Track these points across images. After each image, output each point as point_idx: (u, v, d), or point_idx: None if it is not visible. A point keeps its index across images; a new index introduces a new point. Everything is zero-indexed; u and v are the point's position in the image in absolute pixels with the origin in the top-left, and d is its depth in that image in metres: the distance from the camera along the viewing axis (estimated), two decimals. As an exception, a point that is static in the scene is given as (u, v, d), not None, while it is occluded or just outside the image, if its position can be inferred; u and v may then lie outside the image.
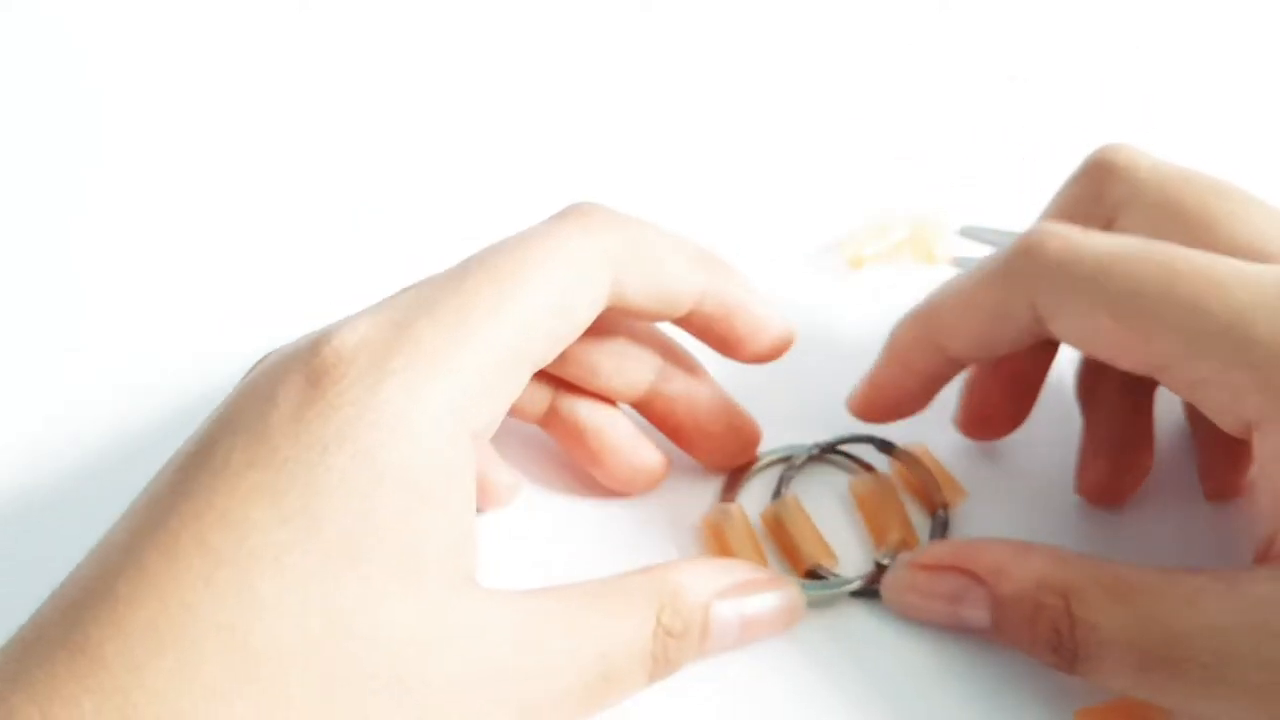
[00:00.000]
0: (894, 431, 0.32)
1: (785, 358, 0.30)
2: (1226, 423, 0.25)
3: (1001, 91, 0.45)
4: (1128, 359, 0.26)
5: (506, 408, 0.25)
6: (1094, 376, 0.31)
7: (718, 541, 0.30)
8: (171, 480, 0.22)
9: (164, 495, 0.22)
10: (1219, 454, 0.30)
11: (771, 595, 0.27)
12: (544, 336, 0.25)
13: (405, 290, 0.25)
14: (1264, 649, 0.23)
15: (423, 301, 0.24)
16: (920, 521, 0.31)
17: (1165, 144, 0.30)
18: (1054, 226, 0.27)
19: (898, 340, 0.30)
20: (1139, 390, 0.30)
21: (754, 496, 0.31)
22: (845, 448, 0.32)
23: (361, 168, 0.43)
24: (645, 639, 0.25)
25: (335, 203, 0.41)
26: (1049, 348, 0.30)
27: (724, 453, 0.31)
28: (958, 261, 0.38)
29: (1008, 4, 0.49)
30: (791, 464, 0.32)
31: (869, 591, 0.29)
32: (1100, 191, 0.29)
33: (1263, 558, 0.25)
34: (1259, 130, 0.43)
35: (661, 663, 0.25)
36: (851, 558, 0.30)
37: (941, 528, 0.30)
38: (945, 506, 0.30)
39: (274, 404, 0.22)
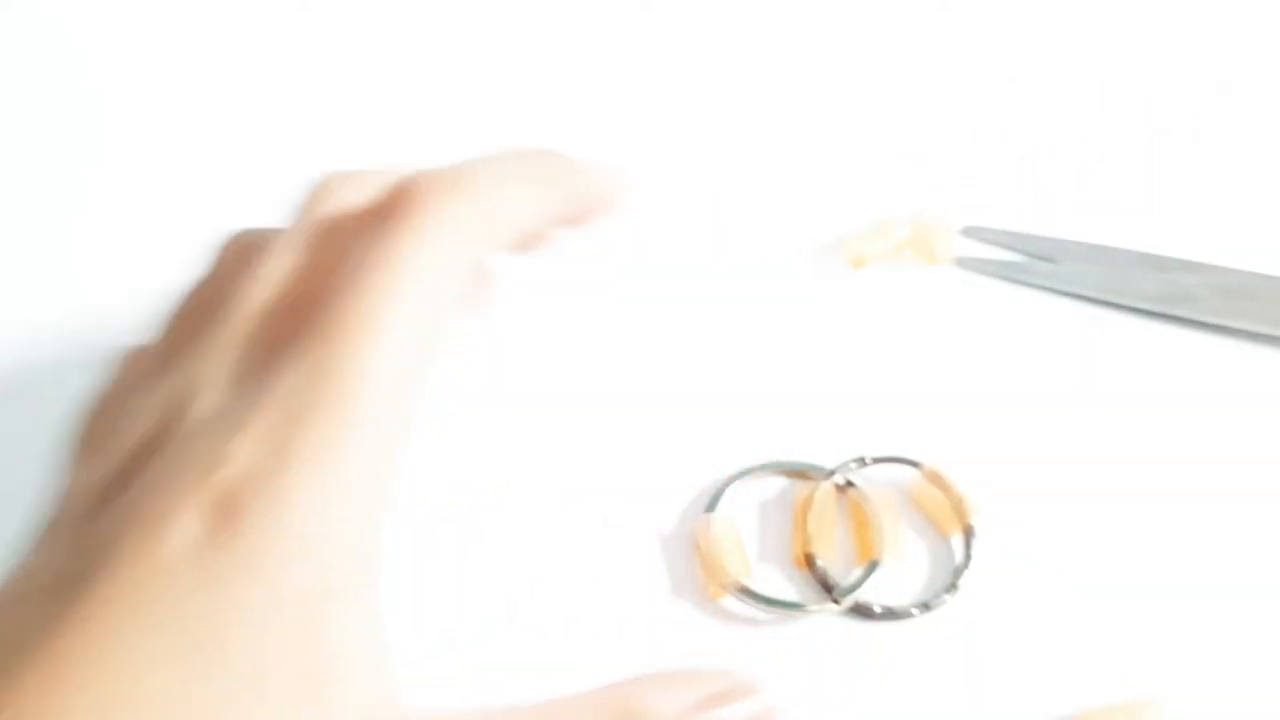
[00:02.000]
0: (912, 454, 0.32)
1: (785, 357, 0.30)
2: None
3: (1001, 91, 0.45)
4: None
5: (412, 437, 0.23)
6: None
7: (708, 551, 0.30)
8: (53, 606, 0.21)
9: (49, 621, 0.20)
10: None
11: (742, 706, 0.25)
12: (427, 360, 0.24)
13: (271, 376, 0.23)
14: None
15: (295, 390, 0.22)
16: (929, 541, 0.31)
17: (1166, 144, 0.31)
18: None
19: None
20: None
21: (739, 504, 0.31)
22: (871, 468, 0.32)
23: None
24: None
25: (336, 203, 0.41)
26: None
27: None
28: (960, 261, 0.38)
29: (1008, 4, 0.49)
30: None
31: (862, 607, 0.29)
32: None
33: None
34: (1260, 130, 0.43)
35: None
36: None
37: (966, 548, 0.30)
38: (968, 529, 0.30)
39: (167, 536, 0.21)
